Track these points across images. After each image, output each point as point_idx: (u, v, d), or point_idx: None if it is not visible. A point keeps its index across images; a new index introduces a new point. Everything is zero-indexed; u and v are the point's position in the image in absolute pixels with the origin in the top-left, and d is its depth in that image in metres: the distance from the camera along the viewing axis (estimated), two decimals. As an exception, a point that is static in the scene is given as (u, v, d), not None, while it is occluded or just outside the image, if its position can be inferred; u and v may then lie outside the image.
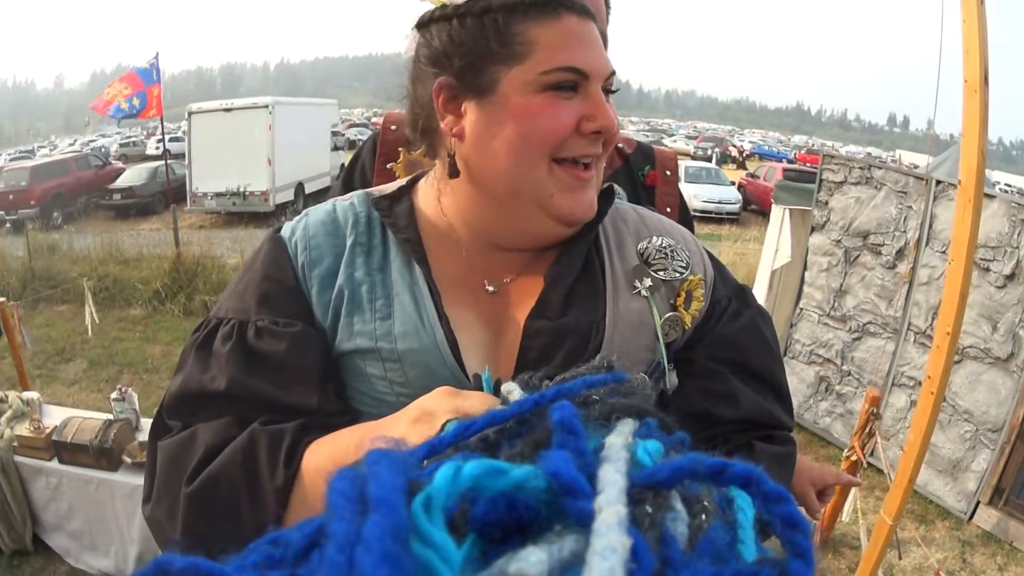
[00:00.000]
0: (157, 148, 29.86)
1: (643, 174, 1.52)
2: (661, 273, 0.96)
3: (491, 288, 0.94)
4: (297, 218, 0.97)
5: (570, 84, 0.85)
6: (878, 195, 5.19)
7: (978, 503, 4.61)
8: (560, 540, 0.25)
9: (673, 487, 0.30)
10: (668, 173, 1.55)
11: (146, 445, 3.43)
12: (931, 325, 4.79)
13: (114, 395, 4.03)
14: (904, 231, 5.01)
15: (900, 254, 5.04)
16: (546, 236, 0.93)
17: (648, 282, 0.94)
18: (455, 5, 0.87)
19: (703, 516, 0.29)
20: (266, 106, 16.16)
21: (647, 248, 0.98)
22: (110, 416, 3.90)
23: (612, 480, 0.28)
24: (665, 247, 0.98)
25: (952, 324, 2.34)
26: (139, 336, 8.02)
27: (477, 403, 0.67)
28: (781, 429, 1.00)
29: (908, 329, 5.01)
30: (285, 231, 0.95)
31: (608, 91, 0.89)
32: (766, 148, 52.48)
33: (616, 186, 1.06)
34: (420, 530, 0.23)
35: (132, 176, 18.39)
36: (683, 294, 0.96)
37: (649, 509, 0.28)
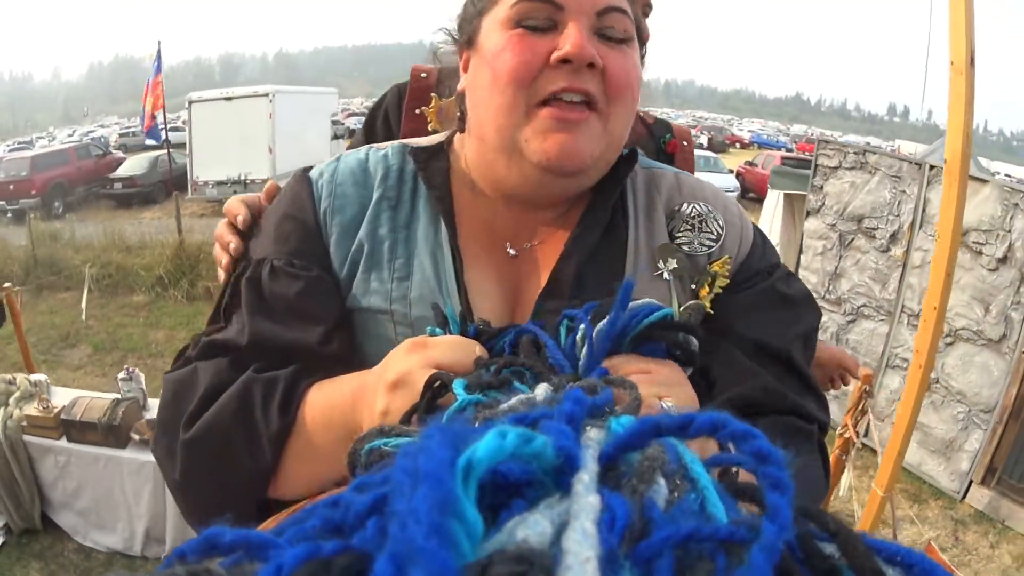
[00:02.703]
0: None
1: (664, 141, 1.55)
2: (685, 247, 0.90)
3: (512, 252, 0.91)
4: (329, 161, 0.94)
5: (544, 21, 0.80)
6: (872, 180, 5.25)
7: (971, 483, 4.69)
8: (559, 506, 0.25)
9: (644, 446, 0.30)
10: (685, 144, 1.59)
11: (152, 424, 3.49)
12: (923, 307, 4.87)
13: (121, 375, 4.11)
14: (898, 215, 5.07)
15: (894, 238, 5.11)
16: (542, 188, 0.85)
17: (673, 263, 0.89)
18: None
19: (675, 493, 0.29)
20: (266, 95, 16.17)
21: (674, 216, 0.92)
22: (118, 396, 3.96)
23: (588, 445, 0.29)
24: (694, 216, 0.92)
25: (939, 299, 2.42)
26: (142, 322, 8.09)
27: (448, 351, 0.65)
28: (802, 417, 0.87)
29: (902, 311, 5.08)
30: (314, 172, 0.92)
31: (608, 37, 0.82)
32: (765, 137, 52.48)
33: (645, 158, 0.99)
34: (455, 501, 0.23)
35: (133, 165, 18.43)
36: (708, 277, 0.89)
37: (634, 482, 0.29)
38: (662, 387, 0.63)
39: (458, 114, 0.94)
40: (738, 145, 42.83)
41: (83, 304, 6.93)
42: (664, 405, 0.62)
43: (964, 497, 4.73)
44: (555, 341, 0.62)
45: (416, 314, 0.84)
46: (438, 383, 0.58)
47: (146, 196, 17.38)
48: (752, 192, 19.23)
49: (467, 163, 0.92)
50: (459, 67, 0.93)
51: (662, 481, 0.29)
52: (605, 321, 0.60)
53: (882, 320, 5.25)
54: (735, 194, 18.21)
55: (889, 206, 5.13)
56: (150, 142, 16.27)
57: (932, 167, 4.84)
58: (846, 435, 3.94)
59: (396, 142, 0.97)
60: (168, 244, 9.76)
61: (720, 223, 0.92)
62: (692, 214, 0.91)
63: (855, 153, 5.43)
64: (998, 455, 4.58)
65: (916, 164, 5.00)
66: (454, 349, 0.65)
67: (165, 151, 16.07)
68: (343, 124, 24.72)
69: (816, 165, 5.70)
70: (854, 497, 3.99)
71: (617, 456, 0.30)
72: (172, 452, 0.79)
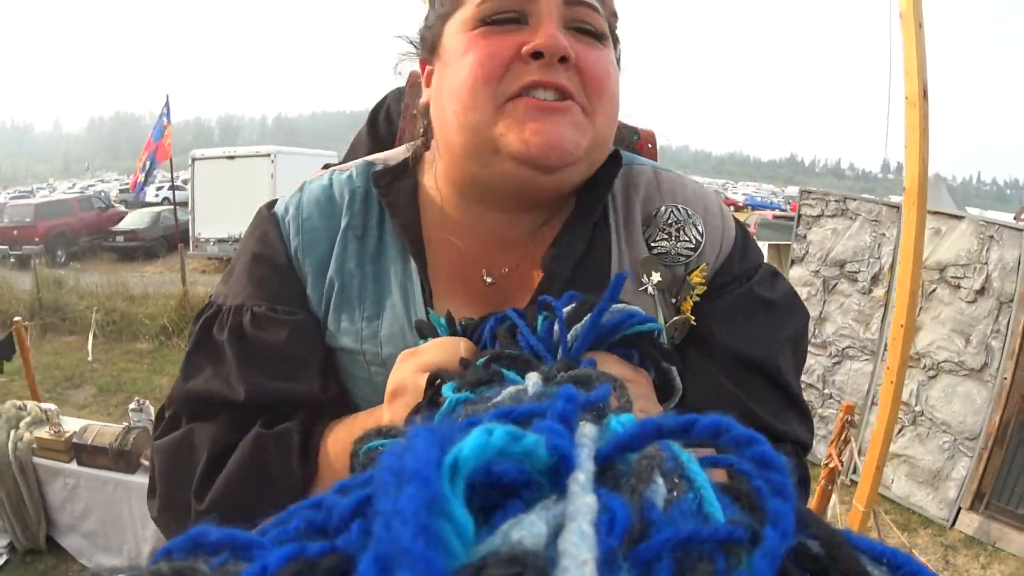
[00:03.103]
0: (156, 196, 30.24)
1: (632, 143, 1.52)
2: (663, 256, 0.85)
3: (489, 280, 0.86)
4: (294, 192, 0.90)
5: (510, 14, 0.76)
6: (853, 225, 5.52)
7: (959, 509, 4.83)
8: (555, 507, 0.25)
9: (643, 448, 0.30)
10: (650, 146, 1.55)
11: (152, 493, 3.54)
12: (905, 344, 5.09)
13: (132, 406, 4.20)
14: (878, 257, 5.33)
15: (875, 279, 5.35)
16: (522, 188, 0.78)
17: (657, 277, 0.83)
18: None
19: (674, 493, 0.29)
20: (268, 155, 16.38)
21: (651, 223, 0.87)
22: (128, 424, 4.04)
23: (582, 443, 0.29)
24: (671, 223, 0.86)
25: (905, 318, 2.63)
26: (147, 368, 8.18)
27: (437, 352, 0.63)
28: (776, 439, 0.80)
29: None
30: (279, 208, 0.88)
31: (580, 30, 0.78)
32: (759, 199, 53.04)
33: (624, 152, 0.92)
34: (442, 501, 0.23)
35: (135, 219, 18.65)
36: (688, 289, 0.85)
37: (633, 482, 0.28)
38: (640, 400, 0.60)
39: (421, 130, 0.91)
40: (732, 208, 43.12)
41: (89, 346, 7.04)
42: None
43: (953, 524, 4.83)
44: (532, 329, 0.61)
45: (388, 352, 0.80)
46: (439, 381, 0.56)
47: (148, 250, 17.53)
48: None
49: (436, 180, 0.88)
50: (421, 81, 0.89)
51: (660, 481, 0.29)
52: (595, 312, 0.58)
53: (866, 360, 5.45)
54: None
55: (870, 249, 5.39)
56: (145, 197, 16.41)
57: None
58: (831, 465, 4.09)
59: (361, 160, 0.93)
60: (172, 295, 9.89)
61: (699, 229, 0.86)
62: (670, 220, 0.86)
63: (836, 201, 5.71)
64: (985, 480, 4.72)
65: (894, 207, 5.27)
66: (442, 349, 0.64)
67: (166, 207, 16.24)
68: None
69: (800, 215, 5.97)
70: (840, 521, 4.10)
71: (614, 456, 0.30)
72: (185, 524, 0.75)
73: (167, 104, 12.28)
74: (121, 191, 35.43)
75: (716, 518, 0.28)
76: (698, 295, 0.84)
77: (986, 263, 4.68)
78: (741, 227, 0.93)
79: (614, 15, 1.40)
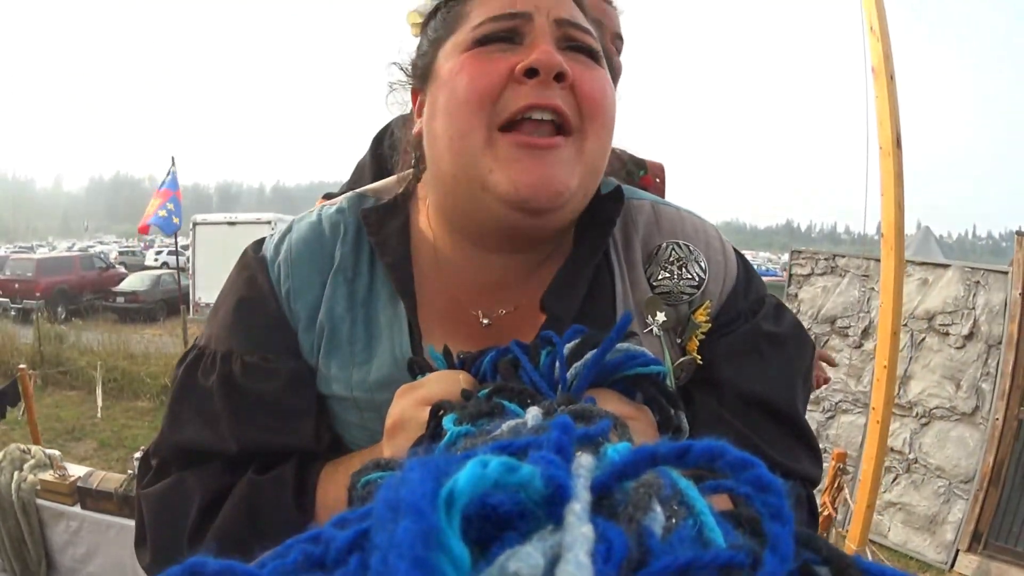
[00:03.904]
0: (155, 260, 30.42)
1: (637, 177, 1.54)
2: (666, 295, 0.82)
3: (486, 321, 0.82)
4: (281, 232, 0.87)
5: (504, 35, 0.74)
6: (843, 281, 5.73)
7: (957, 551, 4.87)
8: (552, 538, 0.25)
9: (640, 475, 0.30)
10: (658, 180, 1.60)
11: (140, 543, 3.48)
12: (899, 393, 5.18)
13: (137, 455, 4.15)
14: (868, 311, 5.51)
15: (865, 333, 5.52)
16: (513, 229, 0.75)
17: (662, 317, 0.81)
18: (423, 15, 0.87)
19: (673, 520, 0.29)
20: (268, 222, 16.39)
21: (652, 260, 0.84)
22: (132, 472, 3.95)
23: (579, 474, 0.29)
24: (673, 261, 0.83)
25: (888, 358, 2.76)
26: (148, 425, 8.13)
27: (436, 385, 0.63)
28: (786, 475, 0.74)
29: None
30: (268, 251, 0.85)
31: (574, 48, 0.75)
32: (756, 267, 53.18)
33: (625, 186, 0.90)
34: (438, 533, 0.22)
35: (135, 281, 18.73)
36: (692, 328, 0.82)
37: (630, 510, 0.28)
38: (639, 437, 0.56)
39: (413, 160, 0.89)
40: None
41: (98, 400, 7.03)
42: None
43: (952, 566, 4.87)
44: (534, 363, 0.61)
45: (380, 397, 0.76)
46: (441, 412, 0.55)
47: (148, 313, 17.48)
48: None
49: (428, 217, 0.85)
50: (412, 111, 0.86)
51: (659, 508, 0.28)
52: (598, 350, 0.58)
53: (859, 412, 5.55)
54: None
55: (859, 303, 5.58)
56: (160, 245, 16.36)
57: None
58: (825, 512, 4.15)
59: (352, 193, 0.91)
60: (174, 355, 9.88)
61: (702, 265, 0.83)
62: (671, 258, 0.83)
63: (825, 259, 5.93)
64: (982, 520, 4.78)
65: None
66: (442, 382, 0.63)
67: (167, 270, 16.22)
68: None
69: (791, 274, 6.16)
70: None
71: (611, 484, 0.29)
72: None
73: (173, 163, 12.56)
74: (121, 253, 35.60)
75: (717, 544, 0.28)
76: (703, 333, 0.82)
77: (973, 308, 4.87)
78: (743, 260, 0.90)
79: (619, 37, 1.39)
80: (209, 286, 16.06)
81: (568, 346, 0.60)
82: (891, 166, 2.48)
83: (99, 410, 7.25)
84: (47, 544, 3.92)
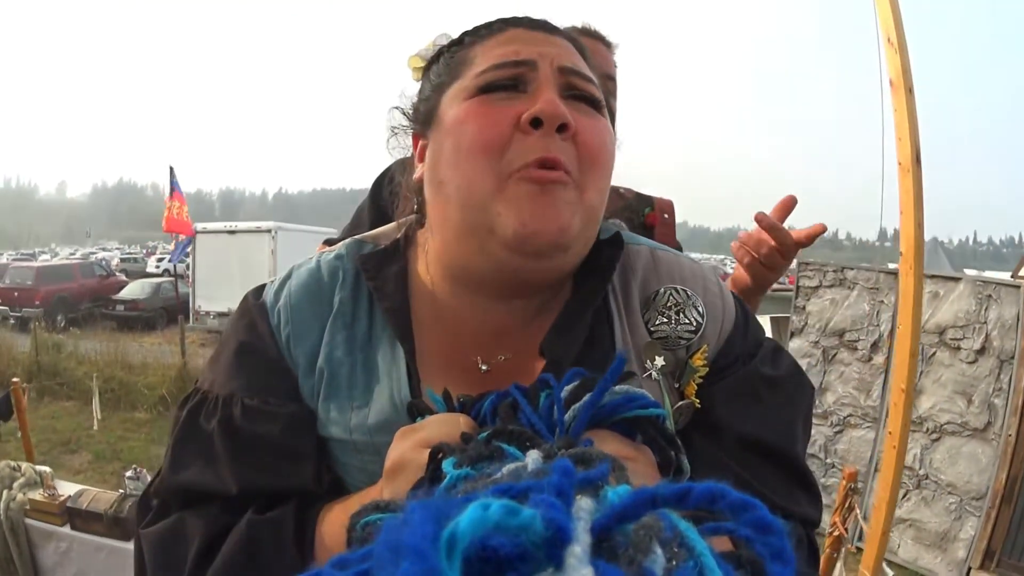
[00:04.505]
0: (157, 267, 30.41)
1: (643, 215, 1.52)
2: (664, 340, 0.82)
3: (485, 367, 0.82)
4: (280, 279, 0.88)
5: (509, 82, 0.75)
6: (851, 294, 5.62)
7: (969, 568, 4.76)
8: None
9: (640, 517, 0.30)
10: (666, 216, 1.57)
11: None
12: (906, 410, 5.10)
13: (129, 474, 4.05)
14: (877, 324, 5.40)
15: (875, 346, 5.42)
16: (516, 273, 0.76)
17: (660, 362, 0.81)
18: (424, 60, 0.89)
19: (673, 562, 0.29)
20: (269, 231, 16.48)
21: (649, 305, 0.84)
22: (124, 491, 3.90)
23: (579, 517, 0.29)
24: (671, 306, 0.84)
25: (906, 381, 2.66)
26: (144, 437, 8.07)
27: (436, 428, 0.63)
28: (786, 518, 0.72)
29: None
30: (268, 296, 0.85)
31: (576, 97, 0.77)
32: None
33: (622, 227, 0.91)
34: (440, 575, 0.23)
35: (135, 289, 18.70)
36: (690, 373, 0.82)
37: (631, 552, 0.28)
38: (638, 478, 0.57)
39: (414, 206, 0.89)
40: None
41: (95, 412, 6.95)
42: None
43: (964, 585, 4.76)
44: (533, 406, 0.62)
45: (380, 440, 0.76)
46: (441, 455, 0.55)
47: (147, 321, 17.47)
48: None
49: (428, 265, 0.85)
50: (413, 156, 0.87)
51: (659, 550, 0.29)
52: (595, 392, 0.58)
53: (868, 427, 5.45)
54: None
55: (868, 317, 5.47)
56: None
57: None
58: (836, 533, 4.05)
59: (351, 240, 0.92)
60: (172, 366, 9.86)
61: (699, 310, 0.84)
62: (669, 303, 0.84)
63: (834, 271, 5.82)
64: (995, 538, 4.68)
65: (892, 274, 5.35)
66: (442, 425, 0.64)
67: (167, 278, 16.23)
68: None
69: (798, 287, 6.05)
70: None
71: (612, 527, 0.30)
72: None
73: (172, 173, 12.52)
74: (122, 260, 35.64)
75: None
76: (700, 377, 0.82)
77: (985, 322, 4.77)
78: (741, 304, 0.90)
79: (611, 78, 1.42)
80: (209, 295, 16.06)
81: (567, 388, 0.60)
82: (910, 184, 2.39)
83: (95, 422, 7.14)
84: (36, 565, 3.83)
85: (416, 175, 0.85)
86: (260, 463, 0.76)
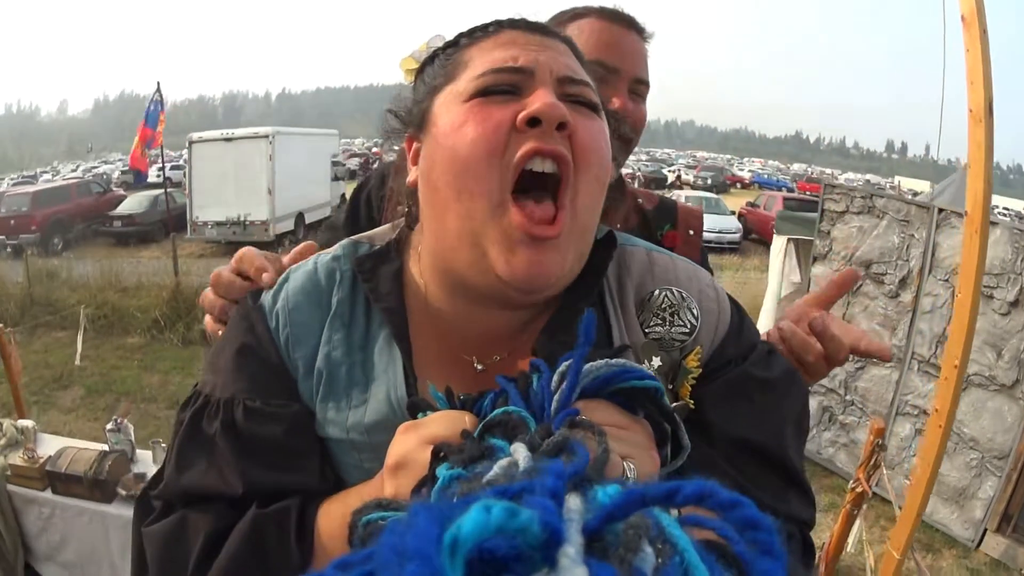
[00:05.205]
0: (158, 176, 30.07)
1: (661, 233, 1.41)
2: (658, 342, 0.83)
3: (480, 367, 0.84)
4: (279, 281, 0.88)
5: (506, 86, 0.74)
6: (880, 224, 5.19)
7: (985, 531, 4.56)
8: None
9: (629, 516, 0.31)
10: (691, 233, 1.45)
11: (141, 478, 3.36)
12: (935, 354, 4.78)
13: (109, 426, 3.97)
14: (907, 260, 5.00)
15: (903, 283, 5.03)
16: (507, 299, 0.77)
17: (657, 362, 0.82)
18: (418, 62, 0.88)
19: (660, 559, 0.30)
20: (266, 136, 16.33)
21: (644, 307, 0.85)
22: (105, 447, 3.84)
23: (570, 518, 0.30)
24: (666, 308, 0.85)
25: (960, 356, 2.32)
26: (137, 365, 8.04)
27: (440, 425, 0.63)
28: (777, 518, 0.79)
29: (912, 358, 4.98)
30: (266, 300, 0.86)
31: (574, 101, 0.76)
32: (766, 177, 52.93)
33: (617, 232, 0.91)
34: None
35: (132, 204, 18.50)
36: (684, 374, 0.83)
37: (622, 552, 0.29)
38: (630, 447, 0.61)
39: (406, 211, 0.89)
40: (739, 185, 43.41)
41: (78, 345, 6.80)
42: (628, 467, 0.59)
43: (979, 545, 4.59)
44: (524, 394, 0.62)
45: (377, 440, 0.77)
46: (442, 454, 0.56)
47: (145, 235, 17.40)
48: (754, 233, 19.24)
49: (421, 266, 0.86)
50: (406, 158, 0.86)
51: (649, 549, 0.29)
52: (575, 358, 0.58)
53: (891, 367, 5.14)
54: (737, 235, 18.21)
55: (898, 251, 5.06)
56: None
57: (941, 210, 4.78)
58: (859, 489, 3.81)
59: (347, 240, 0.92)
60: (165, 286, 9.75)
61: (694, 313, 0.84)
62: (664, 305, 0.85)
63: (862, 197, 5.38)
64: (1013, 502, 4.47)
65: (924, 207, 4.93)
66: (446, 422, 0.63)
67: (166, 190, 16.10)
68: (343, 165, 24.99)
69: (823, 210, 5.64)
70: (866, 548, 3.84)
71: (602, 527, 0.30)
72: None
73: (159, 91, 11.85)
74: (123, 172, 35.26)
75: None
76: (694, 379, 0.82)
77: (1020, 274, 4.40)
78: (737, 307, 0.91)
79: (643, 82, 1.32)
80: (206, 204, 16.00)
81: (558, 372, 0.60)
82: (981, 136, 2.01)
83: (78, 356, 6.91)
84: (22, 531, 3.79)
85: (410, 179, 0.84)
86: (264, 463, 0.77)
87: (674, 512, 0.33)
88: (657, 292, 0.85)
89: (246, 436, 0.78)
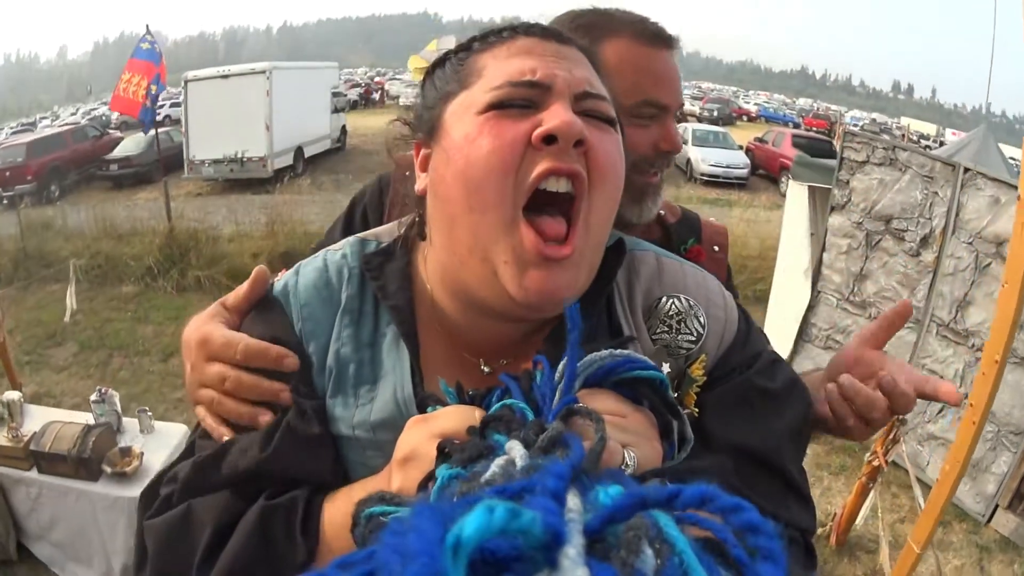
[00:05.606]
0: (157, 115, 29.52)
1: (685, 248, 1.36)
2: (664, 349, 0.84)
3: (487, 370, 0.84)
4: (288, 275, 0.88)
5: (522, 101, 0.73)
6: (903, 178, 4.90)
7: (996, 506, 4.42)
8: None
9: (630, 518, 0.31)
10: (716, 249, 1.40)
11: (127, 452, 3.24)
12: (955, 318, 4.56)
13: (94, 397, 3.91)
14: (930, 218, 4.73)
15: (924, 242, 4.78)
16: (516, 317, 0.78)
17: (666, 368, 0.81)
18: (428, 62, 0.86)
19: (659, 560, 0.29)
20: (264, 72, 16.10)
21: (652, 314, 0.85)
22: (90, 420, 3.79)
23: (571, 519, 0.30)
24: (673, 315, 0.85)
25: (1002, 351, 2.11)
26: (130, 316, 7.93)
27: (449, 420, 0.63)
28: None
29: (931, 321, 4.76)
30: (278, 291, 0.86)
31: (590, 116, 0.75)
32: (772, 111, 51.90)
33: (627, 237, 0.90)
34: None
35: (129, 145, 18.12)
36: (689, 382, 0.84)
37: (623, 554, 0.29)
38: (631, 435, 0.61)
39: (415, 220, 0.88)
40: (745, 118, 42.54)
41: (68, 300, 6.67)
42: (628, 455, 0.59)
43: (989, 521, 4.45)
44: (526, 389, 0.62)
45: (383, 438, 0.77)
46: (447, 450, 0.56)
47: (142, 176, 17.05)
48: (762, 169, 18.87)
49: (428, 274, 0.85)
50: (415, 165, 0.85)
51: (649, 551, 0.30)
52: (570, 344, 0.58)
53: (909, 328, 4.90)
54: (745, 171, 17.88)
55: (920, 207, 4.78)
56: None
57: (967, 170, 4.49)
58: (875, 463, 3.67)
59: (354, 238, 0.92)
60: (158, 232, 9.58)
61: (701, 321, 0.85)
62: (671, 312, 0.85)
63: (884, 148, 5.07)
64: (1027, 480, 4.30)
65: (950, 165, 4.64)
66: (456, 416, 0.63)
67: (165, 128, 15.80)
68: (345, 96, 24.52)
69: (842, 158, 5.33)
70: (880, 516, 3.73)
71: (603, 528, 0.31)
72: None
73: (149, 31, 11.32)
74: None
75: None
76: (699, 387, 0.83)
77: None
78: (744, 315, 0.92)
79: (681, 107, 1.24)
80: (203, 142, 15.92)
81: (561, 365, 0.60)
82: None
83: (69, 313, 6.78)
84: (12, 511, 3.78)
85: (418, 187, 0.83)
86: (284, 448, 0.75)
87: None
88: (665, 299, 0.86)
89: (273, 424, 0.78)
